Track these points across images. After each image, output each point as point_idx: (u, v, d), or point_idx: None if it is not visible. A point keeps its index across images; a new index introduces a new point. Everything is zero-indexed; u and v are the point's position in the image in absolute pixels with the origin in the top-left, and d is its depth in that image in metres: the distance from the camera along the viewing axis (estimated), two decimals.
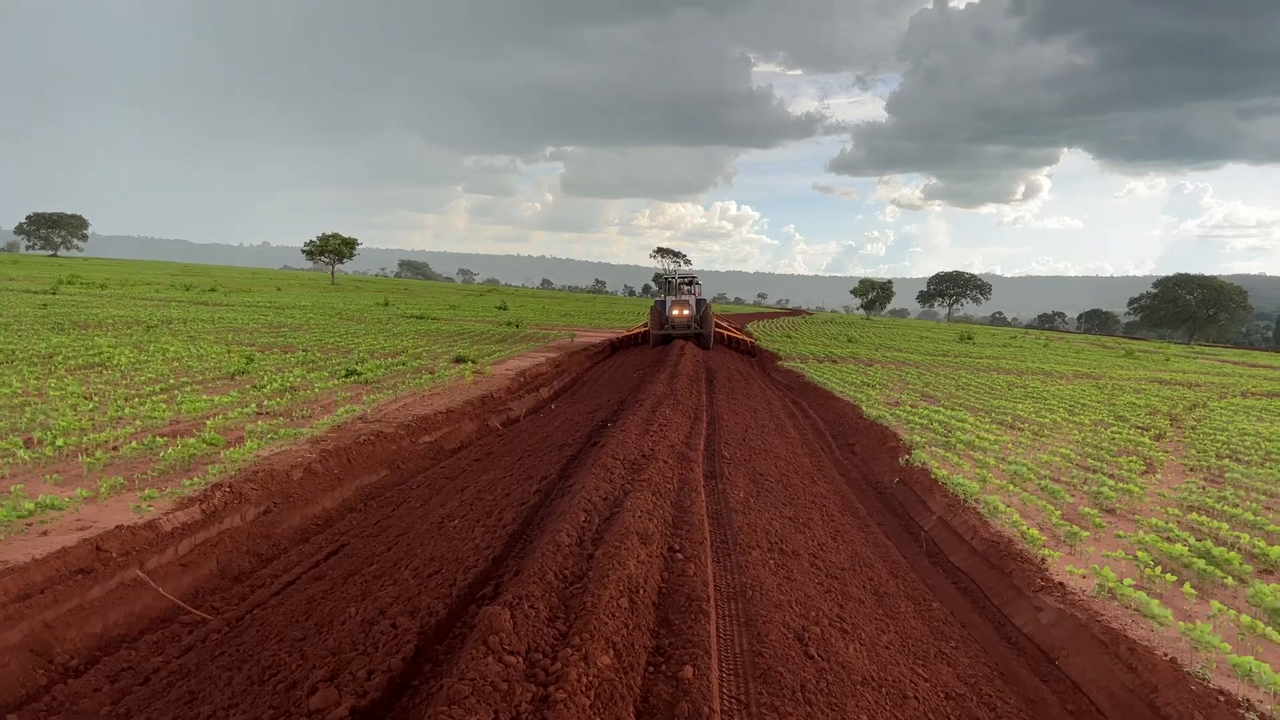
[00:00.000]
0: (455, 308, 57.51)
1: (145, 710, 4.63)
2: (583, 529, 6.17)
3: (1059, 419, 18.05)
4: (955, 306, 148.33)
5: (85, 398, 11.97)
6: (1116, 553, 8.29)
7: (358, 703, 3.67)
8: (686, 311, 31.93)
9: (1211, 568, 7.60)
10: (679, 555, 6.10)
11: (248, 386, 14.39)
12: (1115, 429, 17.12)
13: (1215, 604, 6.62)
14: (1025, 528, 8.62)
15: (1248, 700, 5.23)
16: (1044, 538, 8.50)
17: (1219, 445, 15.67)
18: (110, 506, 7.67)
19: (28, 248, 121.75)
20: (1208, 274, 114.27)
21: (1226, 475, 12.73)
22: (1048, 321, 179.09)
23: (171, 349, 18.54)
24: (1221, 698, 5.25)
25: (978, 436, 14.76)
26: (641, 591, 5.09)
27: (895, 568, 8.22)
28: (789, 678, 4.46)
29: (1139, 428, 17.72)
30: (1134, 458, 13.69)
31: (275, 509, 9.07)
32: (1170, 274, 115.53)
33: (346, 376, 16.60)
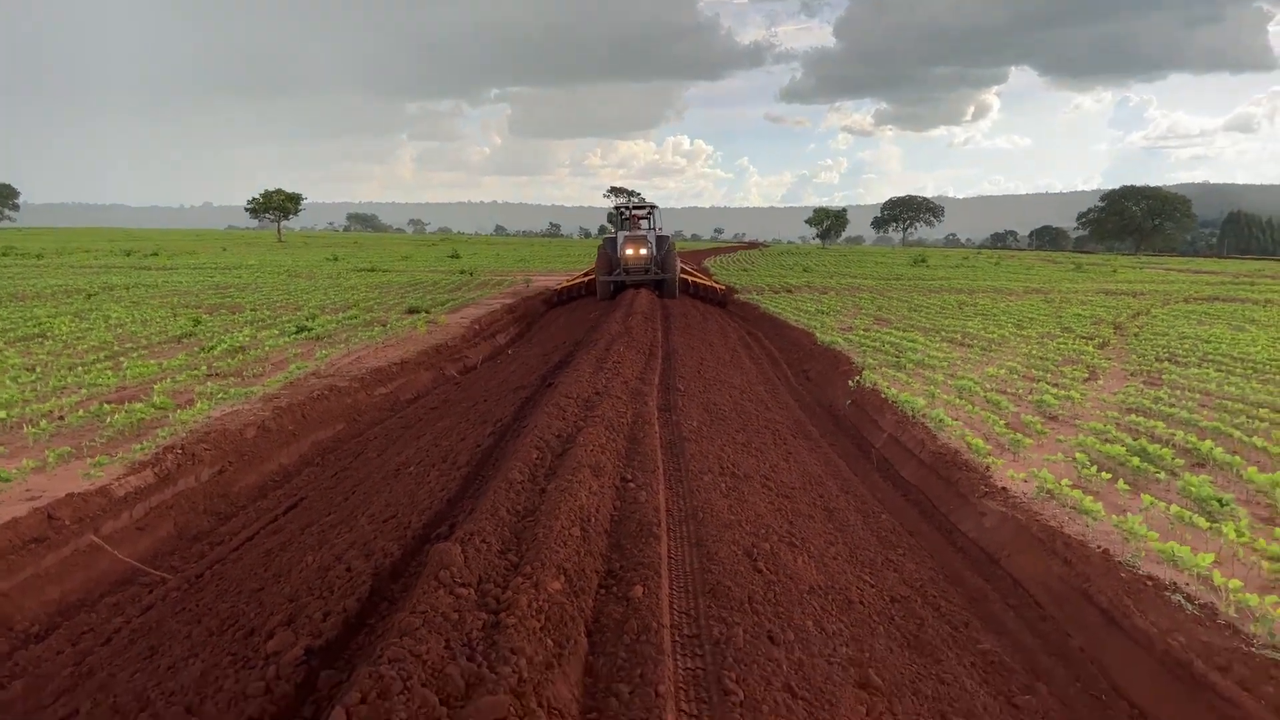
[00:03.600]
0: (408, 258, 56.68)
1: (108, 667, 4.67)
2: (535, 465, 6.26)
3: (1007, 334, 18.47)
4: (909, 231, 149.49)
5: (27, 369, 11.69)
6: (1056, 456, 8.60)
7: (313, 642, 3.75)
8: (644, 251, 25.27)
9: (1146, 464, 7.94)
10: (631, 484, 6.22)
11: (196, 349, 14.15)
12: (1061, 340, 17.58)
13: (1147, 498, 6.94)
14: (970, 438, 8.89)
15: (1174, 583, 5.53)
16: (988, 447, 8.78)
17: (1159, 349, 16.17)
18: (59, 475, 7.57)
19: None
20: (1153, 185, 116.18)
21: (1164, 377, 13.19)
22: (1000, 240, 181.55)
23: (114, 315, 18.11)
24: (1149, 582, 5.54)
25: (928, 355, 15.07)
26: (593, 520, 5.20)
27: (846, 484, 8.46)
28: (737, 591, 4.62)
29: (1084, 338, 18.20)
30: (1078, 366, 14.11)
31: (230, 468, 9.03)
32: (1116, 187, 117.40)
33: (297, 333, 16.38)
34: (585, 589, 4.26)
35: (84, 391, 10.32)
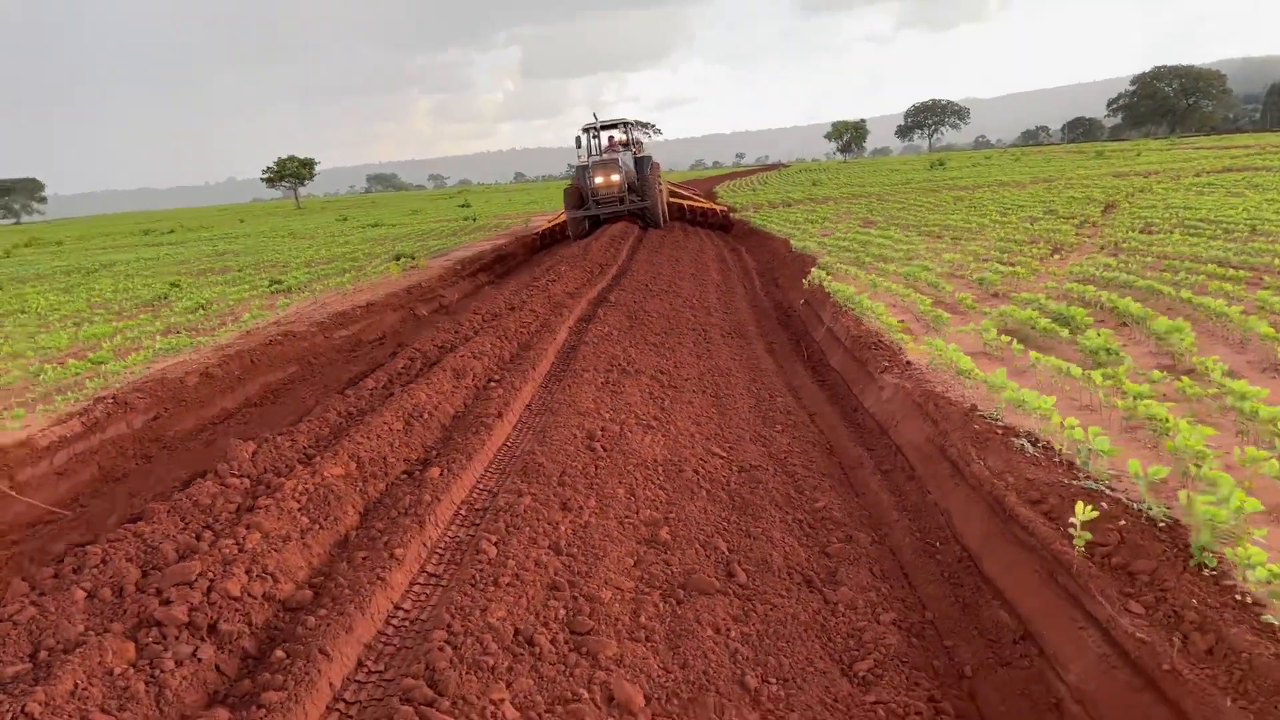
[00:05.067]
0: (417, 212, 56.70)
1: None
2: (399, 373, 6.33)
3: (986, 222, 17.99)
4: (935, 137, 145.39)
5: None
6: (969, 327, 8.43)
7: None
8: (615, 177, 21.67)
9: (1055, 326, 7.75)
10: (495, 385, 6.26)
11: (163, 309, 14.42)
12: (1042, 223, 17.07)
13: (1035, 355, 6.79)
14: (889, 320, 8.75)
15: (1026, 431, 5.44)
16: (905, 326, 8.65)
17: (1139, 221, 15.64)
18: None
19: None
20: (1187, 64, 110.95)
21: (1126, 245, 12.78)
22: (1031, 138, 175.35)
23: (99, 288, 18.50)
24: (1000, 430, 5.47)
25: (895, 249, 14.77)
26: (428, 415, 5.26)
27: (758, 376, 8.41)
28: (551, 468, 4.67)
29: (1066, 218, 17.65)
30: (1043, 245, 13.72)
31: (166, 414, 9.26)
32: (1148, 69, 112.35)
33: (269, 287, 16.59)
34: (380, 474, 4.33)
35: (32, 354, 10.61)
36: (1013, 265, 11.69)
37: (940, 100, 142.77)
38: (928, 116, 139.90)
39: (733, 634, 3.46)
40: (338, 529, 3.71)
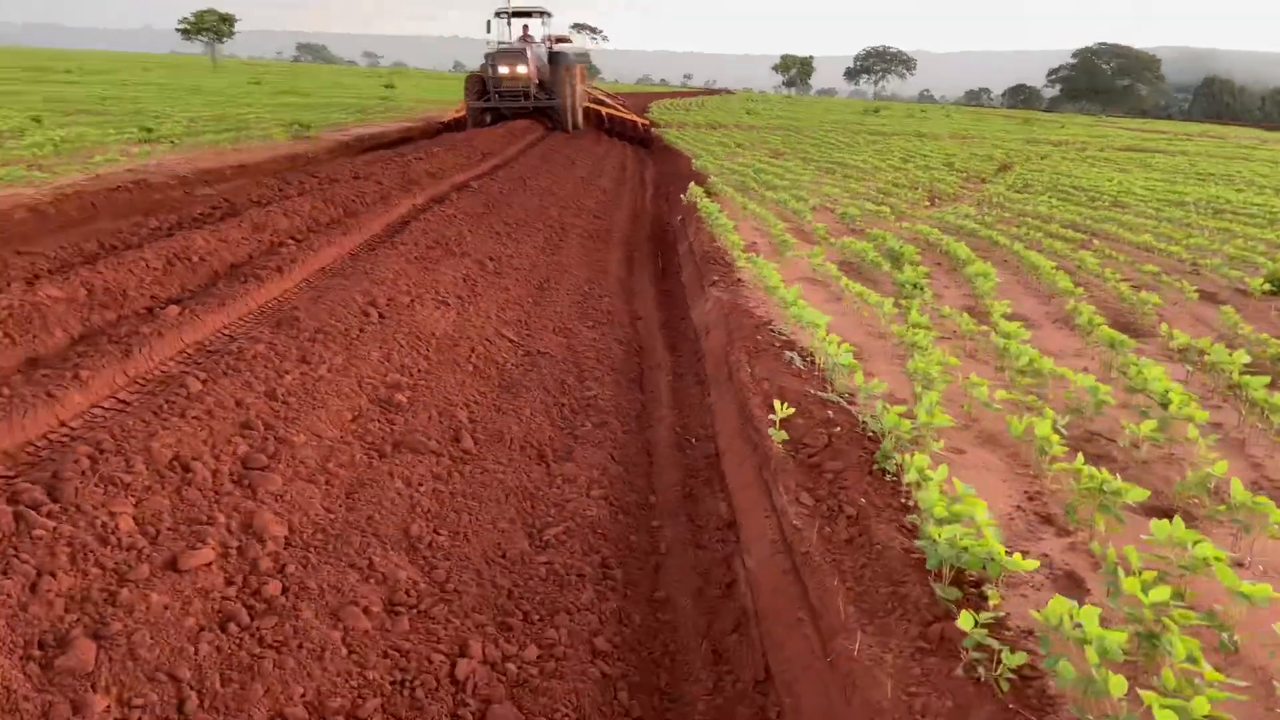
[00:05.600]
0: (338, 84, 54.13)
1: None
2: (191, 219, 6.11)
3: (884, 167, 18.24)
4: (881, 84, 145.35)
5: None
6: (805, 252, 8.60)
7: None
8: (521, 69, 20.06)
9: (882, 260, 7.98)
10: (292, 244, 6.12)
11: (8, 141, 13.48)
12: (936, 173, 17.39)
13: (845, 282, 6.99)
14: (735, 238, 8.85)
15: (804, 349, 5.62)
16: (753, 246, 8.77)
17: (1021, 183, 16.10)
18: None
19: None
20: (1128, 45, 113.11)
21: (997, 201, 13.17)
22: (974, 98, 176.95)
23: None
24: (779, 344, 5.65)
25: (781, 179, 14.86)
26: (197, 260, 5.12)
27: (599, 276, 8.44)
28: (308, 324, 4.64)
29: (959, 172, 18.03)
30: (922, 192, 14.01)
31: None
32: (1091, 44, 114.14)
33: (139, 134, 15.66)
34: (113, 305, 4.22)
35: None
36: (881, 205, 11.92)
37: (890, 48, 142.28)
38: (876, 62, 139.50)
39: (423, 489, 3.54)
40: (34, 348, 3.60)
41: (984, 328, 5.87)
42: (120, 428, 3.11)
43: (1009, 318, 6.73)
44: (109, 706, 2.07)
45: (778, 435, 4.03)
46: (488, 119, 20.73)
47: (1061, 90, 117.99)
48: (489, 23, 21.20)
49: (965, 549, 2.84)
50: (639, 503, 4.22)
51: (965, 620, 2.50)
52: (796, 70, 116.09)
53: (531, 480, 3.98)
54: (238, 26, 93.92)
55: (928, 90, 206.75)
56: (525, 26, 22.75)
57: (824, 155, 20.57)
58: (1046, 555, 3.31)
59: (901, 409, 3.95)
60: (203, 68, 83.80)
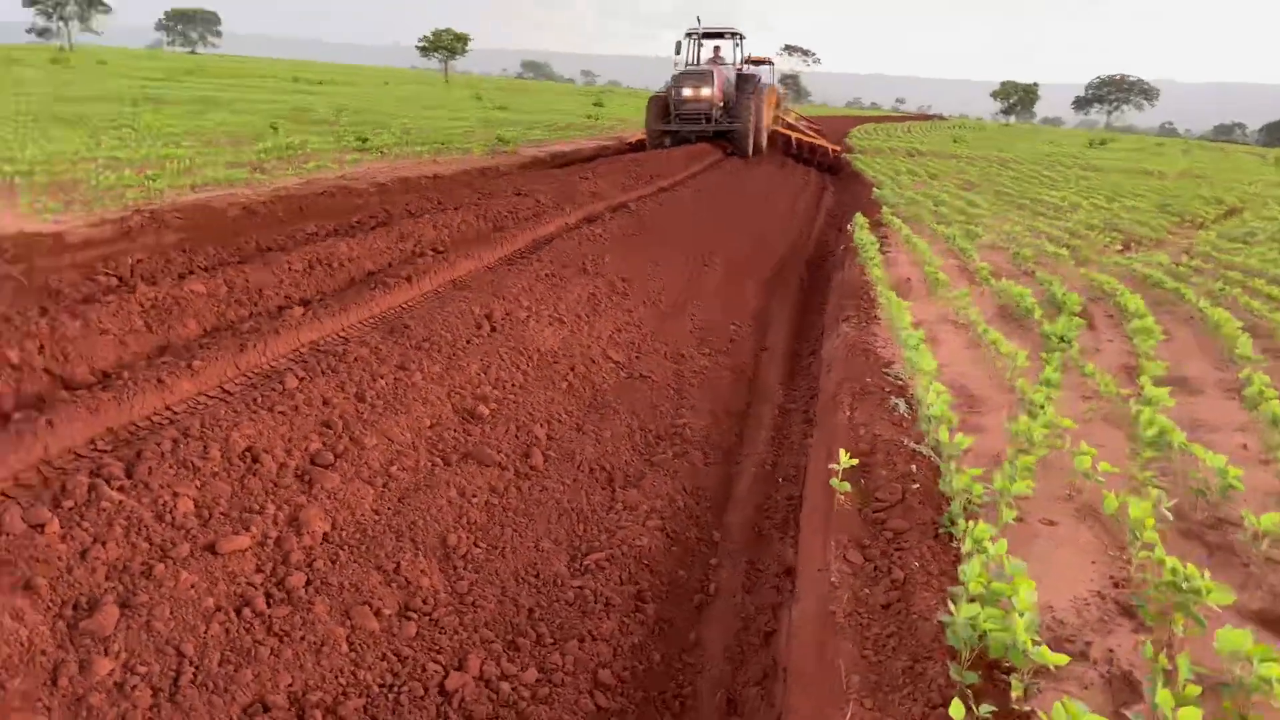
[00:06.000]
0: (550, 101, 56.99)
1: None
2: (349, 227, 6.66)
3: (1086, 205, 16.87)
4: (1115, 114, 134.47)
5: (77, 145, 13.09)
6: (953, 293, 8.10)
7: None
8: (705, 91, 19.36)
9: (1033, 306, 7.41)
10: (433, 254, 6.53)
11: (245, 147, 15.25)
12: (1142, 215, 15.88)
13: (982, 327, 6.55)
14: (880, 273, 8.53)
15: (914, 395, 5.34)
16: (897, 281, 8.43)
17: (1243, 230, 14.38)
18: (27, 219, 8.67)
19: (167, 44, 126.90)
20: None
21: (1201, 249, 11.85)
22: (1225, 133, 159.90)
23: (208, 118, 19.64)
24: (891, 388, 5.40)
25: (962, 213, 14.14)
26: (338, 265, 5.57)
27: (735, 303, 8.40)
28: (418, 332, 4.94)
29: (1175, 214, 16.38)
30: (1115, 235, 12.86)
31: (195, 238, 9.98)
32: None
33: (357, 143, 17.25)
34: (248, 303, 4.68)
35: (102, 159, 11.52)
36: (1063, 248, 11.04)
37: (1129, 76, 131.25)
38: (1111, 91, 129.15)
39: (475, 500, 3.69)
40: (168, 336, 4.09)
41: (1128, 390, 5.33)
42: (211, 416, 3.48)
43: (1170, 381, 6.09)
44: (112, 670, 2.33)
45: (840, 486, 3.87)
46: (667, 141, 20.50)
47: None
48: (678, 43, 20.73)
49: (986, 632, 2.61)
50: (700, 538, 4.17)
51: (956, 709, 2.31)
52: (1018, 98, 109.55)
53: (590, 503, 4.04)
54: (471, 44, 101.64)
55: (1170, 123, 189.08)
56: (717, 48, 22.03)
57: (1020, 189, 19.33)
58: (1111, 651, 2.97)
59: (977, 471, 3.67)
60: (434, 81, 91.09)
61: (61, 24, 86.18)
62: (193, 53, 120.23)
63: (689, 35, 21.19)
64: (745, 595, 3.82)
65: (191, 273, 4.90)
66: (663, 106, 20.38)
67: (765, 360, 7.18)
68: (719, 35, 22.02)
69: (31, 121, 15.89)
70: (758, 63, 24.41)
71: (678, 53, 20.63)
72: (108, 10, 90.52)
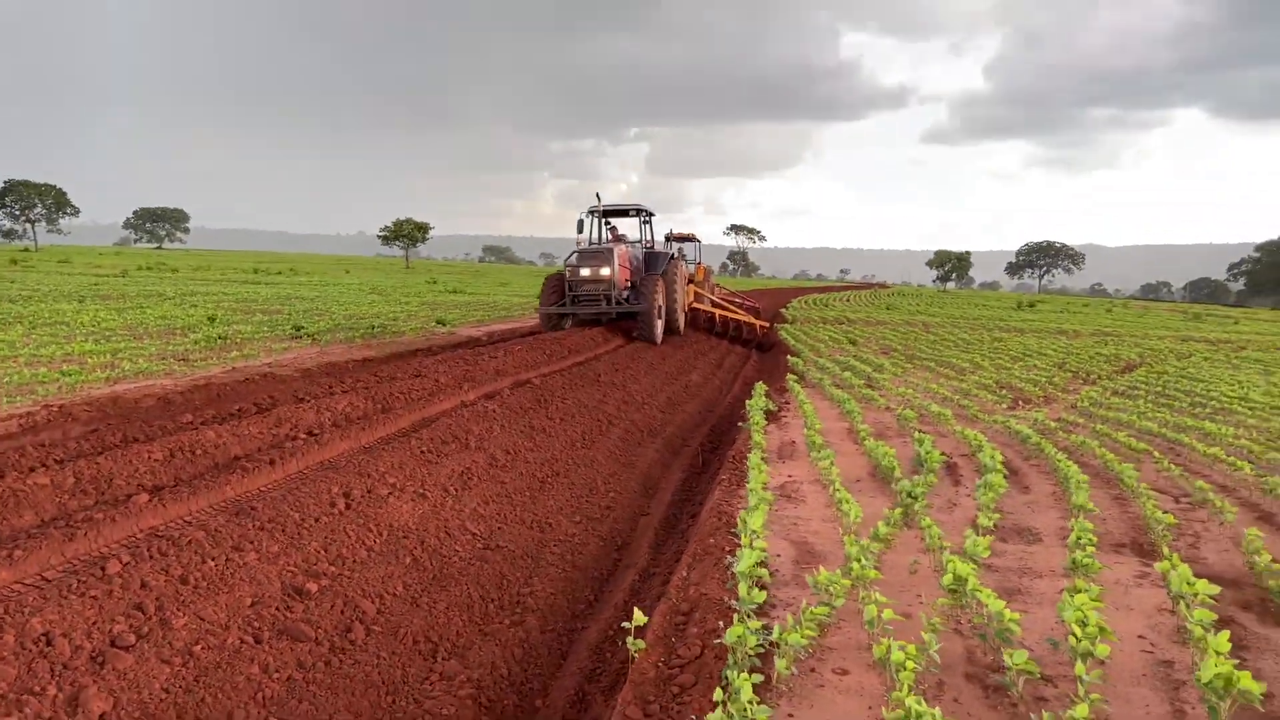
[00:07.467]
0: (505, 285, 59.14)
1: None
2: (230, 414, 6.95)
3: (990, 365, 17.80)
4: (1047, 278, 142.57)
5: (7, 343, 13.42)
6: (822, 455, 8.51)
7: None
8: (605, 271, 17.74)
9: (894, 465, 7.82)
10: (306, 437, 6.81)
11: (176, 338, 15.70)
12: (1041, 374, 16.76)
13: (837, 491, 6.89)
14: (760, 439, 8.96)
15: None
16: (777, 446, 8.83)
17: (1127, 386, 15.25)
18: None
19: (134, 241, 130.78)
20: None
21: (1085, 406, 12.54)
22: (1151, 292, 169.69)
23: (149, 311, 20.21)
24: (729, 547, 5.65)
25: (865, 376, 14.87)
26: (203, 452, 5.81)
27: (623, 471, 8.71)
28: (263, 512, 5.12)
29: (1073, 372, 17.32)
30: (1005, 394, 13.57)
31: (105, 429, 10.17)
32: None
33: (290, 330, 17.81)
34: (98, 492, 4.87)
35: (23, 357, 11.83)
36: (944, 408, 11.64)
37: (1055, 242, 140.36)
38: (1040, 257, 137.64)
39: (278, 676, 3.81)
40: (2, 528, 4.27)
41: (948, 543, 5.64)
42: (17, 602, 3.63)
43: (1015, 531, 6.49)
44: None
45: (635, 645, 4.05)
46: (567, 324, 19.32)
47: (1246, 284, 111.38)
48: (580, 221, 19.12)
49: None
50: (519, 705, 4.27)
51: None
52: (951, 265, 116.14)
53: (405, 675, 4.16)
54: (434, 231, 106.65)
55: (1099, 284, 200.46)
56: (613, 226, 20.63)
57: (934, 353, 20.34)
58: None
59: (757, 624, 3.90)
60: (396, 268, 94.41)
61: (29, 225, 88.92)
62: (159, 248, 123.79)
63: (590, 213, 19.76)
64: None
65: (44, 465, 5.13)
66: (558, 286, 18.83)
67: (643, 526, 7.42)
68: (622, 213, 20.92)
69: None
70: (682, 239, 24.46)
71: (580, 231, 19.14)
72: (76, 213, 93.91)
